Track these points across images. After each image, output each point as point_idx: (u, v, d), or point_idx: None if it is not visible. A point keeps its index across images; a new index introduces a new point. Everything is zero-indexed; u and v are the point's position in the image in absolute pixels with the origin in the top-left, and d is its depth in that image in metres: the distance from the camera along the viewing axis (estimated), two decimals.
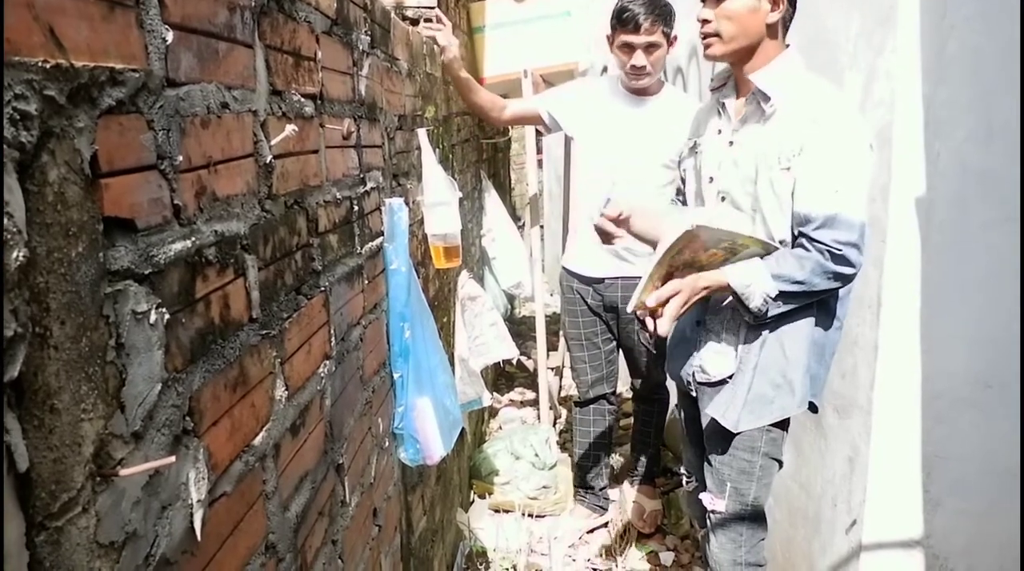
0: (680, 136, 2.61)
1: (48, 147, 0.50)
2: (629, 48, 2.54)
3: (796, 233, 1.66)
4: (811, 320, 1.72)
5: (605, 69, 3.97)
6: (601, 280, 2.78)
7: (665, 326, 1.63)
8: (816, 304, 1.72)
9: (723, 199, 1.77)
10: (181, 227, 0.69)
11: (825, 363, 1.78)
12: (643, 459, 3.11)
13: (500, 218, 3.83)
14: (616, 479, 3.25)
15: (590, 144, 2.80)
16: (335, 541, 1.19)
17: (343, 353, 1.25)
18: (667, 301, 1.63)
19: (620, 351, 2.97)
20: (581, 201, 2.92)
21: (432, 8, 2.52)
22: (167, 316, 0.66)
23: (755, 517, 1.80)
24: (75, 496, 0.52)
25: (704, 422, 1.85)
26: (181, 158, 0.69)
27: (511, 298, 4.67)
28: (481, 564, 2.70)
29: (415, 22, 2.50)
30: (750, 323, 1.72)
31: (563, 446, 3.53)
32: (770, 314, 1.67)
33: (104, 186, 0.57)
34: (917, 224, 1.84)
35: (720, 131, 1.82)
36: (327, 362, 1.15)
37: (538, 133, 3.62)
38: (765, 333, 1.73)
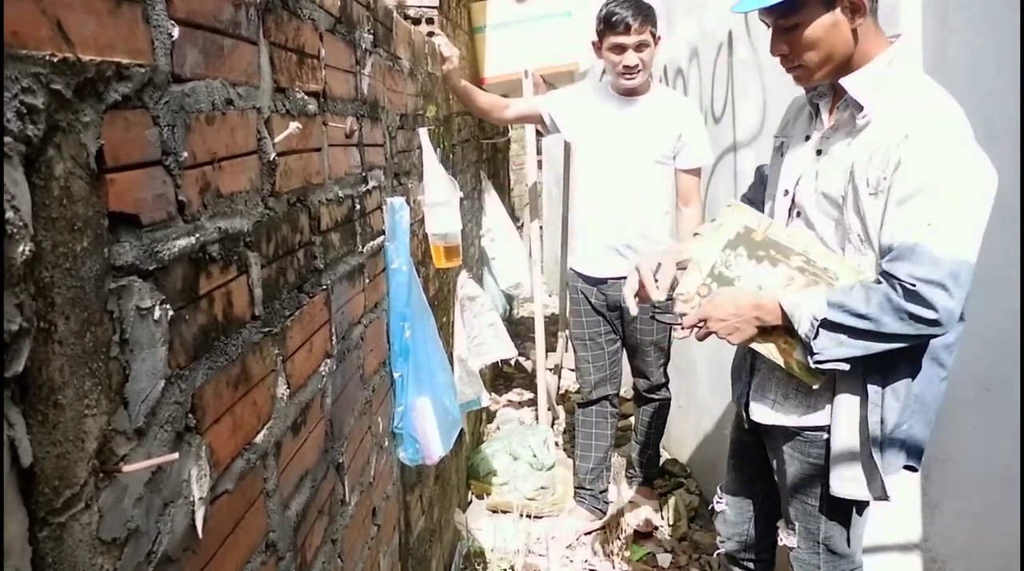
0: (671, 131, 2.66)
1: (54, 141, 0.50)
2: (620, 49, 2.61)
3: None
4: (907, 379, 1.46)
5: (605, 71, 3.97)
6: (604, 280, 2.80)
7: (683, 334, 1.54)
8: (917, 356, 1.46)
9: (797, 215, 1.55)
10: (185, 223, 0.69)
11: (929, 422, 1.52)
12: (642, 460, 3.11)
13: (499, 218, 3.83)
14: (614, 480, 3.25)
15: (584, 148, 2.88)
16: (334, 540, 1.19)
17: (344, 352, 1.25)
18: (701, 322, 1.52)
19: (624, 353, 2.98)
20: (580, 203, 2.95)
21: (434, 8, 2.52)
22: (171, 312, 0.65)
23: (831, 552, 1.65)
24: (78, 492, 0.52)
25: (773, 461, 1.71)
26: (186, 154, 0.69)
27: (510, 298, 4.67)
28: (479, 564, 2.70)
29: (417, 21, 2.50)
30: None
31: (562, 446, 3.53)
32: (830, 356, 1.41)
33: (109, 181, 0.56)
34: None
35: (808, 137, 1.57)
36: (328, 360, 1.15)
37: (538, 133, 3.63)
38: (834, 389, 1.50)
